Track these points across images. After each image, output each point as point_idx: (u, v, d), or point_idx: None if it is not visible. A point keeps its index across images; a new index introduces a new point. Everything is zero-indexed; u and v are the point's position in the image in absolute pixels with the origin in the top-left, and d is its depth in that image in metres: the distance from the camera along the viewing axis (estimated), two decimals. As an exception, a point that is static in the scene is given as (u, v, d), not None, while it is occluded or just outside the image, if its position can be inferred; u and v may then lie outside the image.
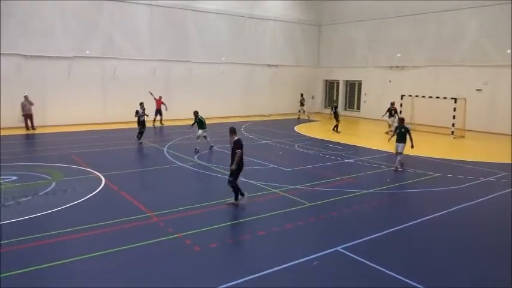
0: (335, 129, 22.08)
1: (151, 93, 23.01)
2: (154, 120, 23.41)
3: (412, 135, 13.43)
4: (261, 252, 7.21)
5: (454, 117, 21.31)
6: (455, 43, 24.68)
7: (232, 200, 9.54)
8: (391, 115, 22.47)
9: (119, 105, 23.47)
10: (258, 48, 30.11)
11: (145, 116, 17.91)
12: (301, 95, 29.72)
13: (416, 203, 10.48)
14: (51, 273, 6.30)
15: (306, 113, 29.17)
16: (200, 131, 16.23)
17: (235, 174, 9.35)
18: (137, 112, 17.71)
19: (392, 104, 22.71)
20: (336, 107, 22.98)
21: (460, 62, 24.34)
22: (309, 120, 28.11)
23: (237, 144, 9.27)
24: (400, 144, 13.43)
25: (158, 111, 23.78)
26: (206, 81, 27.51)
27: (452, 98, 21.55)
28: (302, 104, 29.21)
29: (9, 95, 20.67)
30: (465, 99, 21.80)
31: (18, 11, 20.84)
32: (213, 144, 16.63)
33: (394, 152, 13.99)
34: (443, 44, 25.33)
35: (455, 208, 9.80)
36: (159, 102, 23.91)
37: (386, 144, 15.77)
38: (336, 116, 22.43)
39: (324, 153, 16.36)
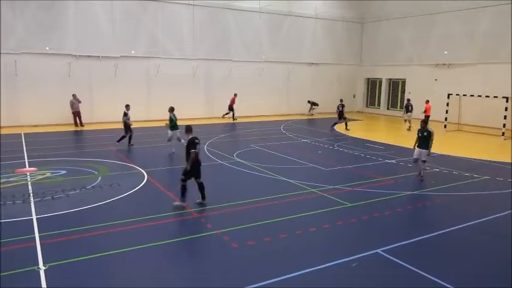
0: (346, 126, 22.36)
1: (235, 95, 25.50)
2: (233, 116, 25.44)
3: (434, 140, 12.13)
4: (297, 252, 7.17)
5: (505, 117, 20.20)
6: (506, 39, 23.35)
7: (178, 202, 9.26)
8: (407, 111, 22.42)
9: (162, 103, 24.03)
10: (298, 46, 29.89)
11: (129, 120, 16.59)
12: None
13: (461, 206, 10.02)
14: (94, 264, 6.57)
15: (310, 112, 29.16)
16: (170, 132, 15.09)
17: (186, 173, 9.20)
18: (125, 114, 16.48)
19: (409, 100, 22.86)
20: (343, 106, 22.66)
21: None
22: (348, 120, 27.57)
23: (191, 143, 9.15)
24: (423, 151, 12.03)
25: (230, 108, 25.29)
26: (246, 79, 27.65)
27: (504, 97, 20.45)
28: (315, 104, 28.80)
29: (60, 93, 21.83)
30: (518, 98, 20.64)
31: (70, 12, 21.89)
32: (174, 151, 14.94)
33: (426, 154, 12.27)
34: (493, 40, 24.04)
35: (504, 213, 9.30)
36: (233, 98, 25.34)
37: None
38: (341, 114, 22.32)
39: (364, 153, 16.03)
